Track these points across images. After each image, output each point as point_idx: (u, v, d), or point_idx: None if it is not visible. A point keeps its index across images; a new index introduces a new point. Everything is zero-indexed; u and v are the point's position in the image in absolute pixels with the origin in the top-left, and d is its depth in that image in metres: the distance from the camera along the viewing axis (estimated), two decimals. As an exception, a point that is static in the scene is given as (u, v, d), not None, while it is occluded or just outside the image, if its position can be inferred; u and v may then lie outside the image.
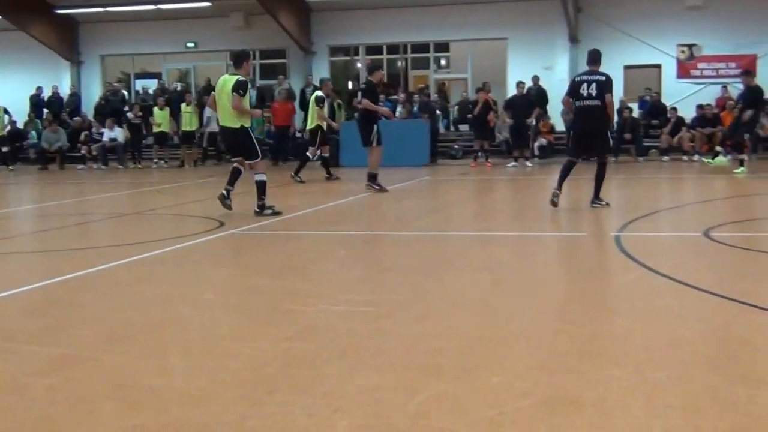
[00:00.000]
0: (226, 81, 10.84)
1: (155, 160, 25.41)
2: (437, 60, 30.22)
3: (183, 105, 24.61)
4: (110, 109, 26.93)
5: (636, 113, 23.90)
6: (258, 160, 11.08)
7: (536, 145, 23.33)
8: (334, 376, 4.18)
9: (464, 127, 26.31)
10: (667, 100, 24.55)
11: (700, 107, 22.87)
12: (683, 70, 25.93)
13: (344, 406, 3.76)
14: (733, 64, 25.14)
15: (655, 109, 23.90)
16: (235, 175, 11.18)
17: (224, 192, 11.02)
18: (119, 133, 25.33)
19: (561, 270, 7.45)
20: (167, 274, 7.42)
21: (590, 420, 3.52)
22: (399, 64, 29.87)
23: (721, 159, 17.96)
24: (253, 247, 8.92)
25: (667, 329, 4.99)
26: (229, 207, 11.01)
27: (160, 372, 4.32)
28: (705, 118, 22.23)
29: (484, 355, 4.51)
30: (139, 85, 30.50)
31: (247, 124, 11.03)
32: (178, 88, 28.22)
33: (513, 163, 21.45)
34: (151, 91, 28.22)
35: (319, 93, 18.03)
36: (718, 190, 14.81)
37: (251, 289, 6.66)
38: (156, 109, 25.03)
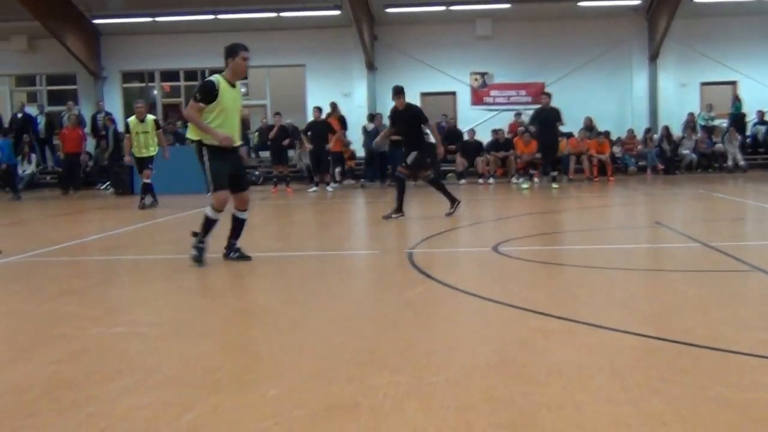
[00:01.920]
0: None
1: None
2: (236, 87, 29.89)
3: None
4: None
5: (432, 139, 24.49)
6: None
7: (336, 170, 23.49)
8: (103, 396, 3.96)
9: (265, 153, 26.21)
10: (463, 126, 25.36)
11: (494, 132, 23.75)
12: (477, 98, 26.91)
13: (111, 425, 3.56)
14: (523, 92, 26.33)
15: (451, 134, 24.62)
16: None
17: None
18: None
19: (352, 285, 7.43)
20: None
21: (366, 424, 3.48)
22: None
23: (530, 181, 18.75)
24: (28, 274, 8.39)
25: (448, 336, 5.05)
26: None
27: None
28: (498, 142, 23.10)
29: (263, 369, 4.41)
30: None
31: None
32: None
33: (314, 188, 21.50)
34: None
35: (129, 119, 16.81)
36: (512, 209, 15.38)
37: (20, 314, 6.23)
38: None
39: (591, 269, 7.75)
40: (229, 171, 8.07)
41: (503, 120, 25.69)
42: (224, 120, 8.00)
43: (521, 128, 23.12)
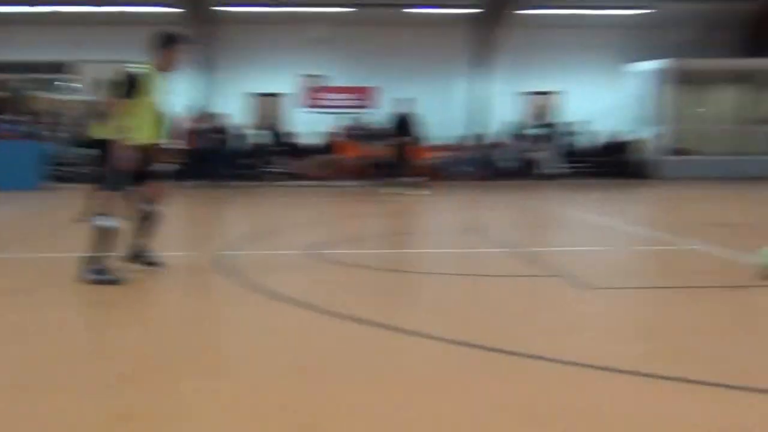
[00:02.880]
0: None
1: None
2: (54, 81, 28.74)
3: None
4: None
5: (264, 140, 24.30)
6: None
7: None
8: None
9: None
10: (294, 128, 25.23)
11: (325, 135, 23.74)
12: (309, 100, 26.84)
13: None
14: (356, 95, 26.49)
15: (282, 136, 24.50)
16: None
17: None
18: None
19: (155, 289, 7.21)
20: None
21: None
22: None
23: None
24: None
25: (257, 341, 5.19)
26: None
27: None
28: (329, 145, 23.13)
29: (42, 378, 4.27)
30: None
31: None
32: None
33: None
34: None
35: None
36: (338, 212, 15.46)
37: None
38: None
39: (405, 273, 7.90)
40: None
41: (335, 123, 25.75)
42: (151, 114, 7.34)
43: (354, 131, 23.31)
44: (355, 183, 21.52)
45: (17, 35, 25.95)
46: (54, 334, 5.23)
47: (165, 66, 7.37)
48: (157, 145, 7.59)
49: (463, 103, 27.34)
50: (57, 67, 27.58)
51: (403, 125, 18.46)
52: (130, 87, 7.08)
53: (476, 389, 3.98)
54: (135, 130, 7.09)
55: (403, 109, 18.48)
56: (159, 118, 7.47)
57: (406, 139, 18.62)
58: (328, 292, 6.77)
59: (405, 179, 18.81)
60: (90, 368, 4.40)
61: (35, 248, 9.46)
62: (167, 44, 7.34)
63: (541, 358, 4.58)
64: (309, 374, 4.27)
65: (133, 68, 7.27)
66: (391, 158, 19.56)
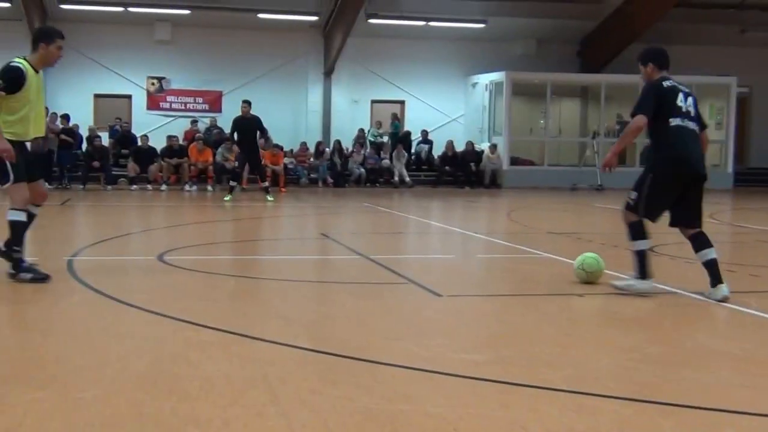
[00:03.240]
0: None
1: None
2: None
3: None
4: None
5: (106, 142, 23.69)
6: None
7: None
8: None
9: None
10: (137, 131, 24.71)
11: (169, 138, 23.35)
12: (153, 102, 26.32)
13: None
14: (200, 99, 26.19)
15: (125, 138, 23.94)
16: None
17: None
18: None
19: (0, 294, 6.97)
20: None
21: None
22: None
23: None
24: None
25: (101, 349, 4.92)
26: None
27: None
28: (173, 149, 22.75)
29: None
30: None
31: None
32: None
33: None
34: None
35: None
36: (184, 217, 15.25)
37: None
38: None
39: (254, 280, 7.88)
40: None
41: (179, 126, 25.36)
42: (30, 110, 7.04)
43: (199, 135, 23.07)
44: (197, 188, 21.30)
45: None
46: None
47: (43, 62, 7.19)
48: (38, 141, 7.40)
49: (313, 108, 27.47)
50: None
51: (248, 130, 18.16)
52: (9, 82, 6.83)
53: (340, 398, 4.03)
54: (15, 125, 6.91)
55: (248, 114, 18.21)
56: (38, 115, 7.26)
57: (254, 144, 18.40)
58: (175, 298, 6.69)
59: (248, 185, 18.58)
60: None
61: None
62: (46, 39, 7.14)
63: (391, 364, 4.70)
64: (163, 383, 4.14)
65: (12, 63, 7.01)
66: (237, 163, 19.40)
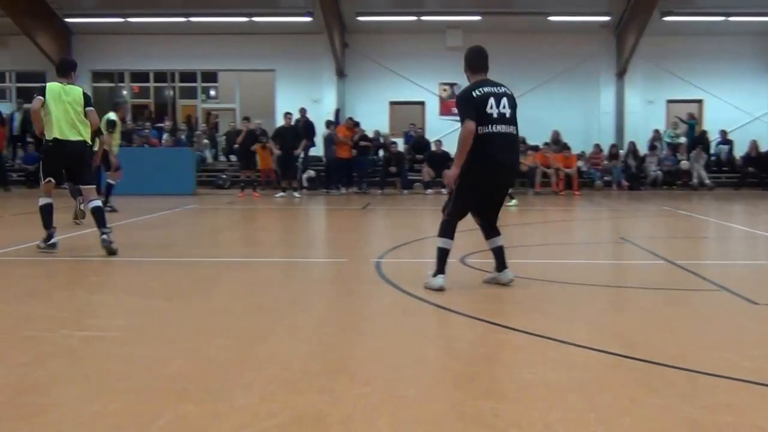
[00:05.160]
0: (71, 89, 9.27)
1: None
2: (205, 90, 29.84)
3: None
4: None
5: (401, 148, 24.56)
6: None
7: (305, 176, 23.50)
8: (69, 402, 3.92)
9: (233, 157, 26.13)
10: (430, 136, 25.40)
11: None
12: (445, 108, 26.96)
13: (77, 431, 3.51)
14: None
15: (418, 144, 24.67)
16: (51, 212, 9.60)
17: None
18: None
19: (320, 294, 7.40)
20: None
21: (335, 437, 3.46)
22: (167, 92, 29.26)
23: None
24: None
25: (416, 349, 5.04)
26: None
27: None
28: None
29: (231, 379, 4.35)
30: None
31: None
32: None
33: (281, 194, 21.43)
34: None
35: (111, 116, 15.07)
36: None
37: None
38: None
39: (553, 284, 7.79)
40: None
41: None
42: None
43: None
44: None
45: (159, 45, 27.09)
46: None
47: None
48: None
49: (605, 110, 26.96)
50: (203, 76, 28.59)
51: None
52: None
53: (661, 407, 3.91)
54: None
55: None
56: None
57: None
58: (480, 299, 6.77)
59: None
60: (268, 370, 4.44)
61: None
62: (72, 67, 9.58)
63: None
64: (481, 384, 4.25)
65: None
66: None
